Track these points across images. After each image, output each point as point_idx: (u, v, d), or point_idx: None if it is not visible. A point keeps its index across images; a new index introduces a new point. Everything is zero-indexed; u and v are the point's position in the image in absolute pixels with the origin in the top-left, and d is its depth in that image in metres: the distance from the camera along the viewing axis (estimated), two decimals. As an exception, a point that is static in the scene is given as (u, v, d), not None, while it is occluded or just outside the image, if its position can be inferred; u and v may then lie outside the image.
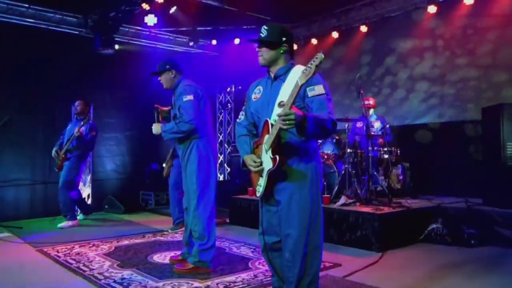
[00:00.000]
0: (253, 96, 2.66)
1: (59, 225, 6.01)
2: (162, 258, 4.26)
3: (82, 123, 6.03)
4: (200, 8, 7.17)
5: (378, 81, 7.49)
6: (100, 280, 3.54)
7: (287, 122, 2.17)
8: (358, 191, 5.38)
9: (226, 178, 9.49)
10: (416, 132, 6.91)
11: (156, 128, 3.81)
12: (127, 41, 8.14)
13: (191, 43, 8.66)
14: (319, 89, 2.41)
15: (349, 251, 4.58)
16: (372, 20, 7.44)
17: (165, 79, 3.88)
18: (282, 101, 2.33)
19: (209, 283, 3.45)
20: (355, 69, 7.65)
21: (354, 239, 4.75)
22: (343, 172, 5.56)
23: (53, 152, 6.15)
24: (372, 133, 5.65)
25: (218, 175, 9.15)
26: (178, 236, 5.25)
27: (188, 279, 3.54)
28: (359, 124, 6.43)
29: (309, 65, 2.19)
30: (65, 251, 4.59)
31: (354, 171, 5.55)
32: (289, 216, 2.44)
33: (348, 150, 5.68)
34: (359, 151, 5.73)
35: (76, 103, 6.33)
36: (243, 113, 2.74)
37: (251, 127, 2.70)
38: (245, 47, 8.13)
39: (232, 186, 7.68)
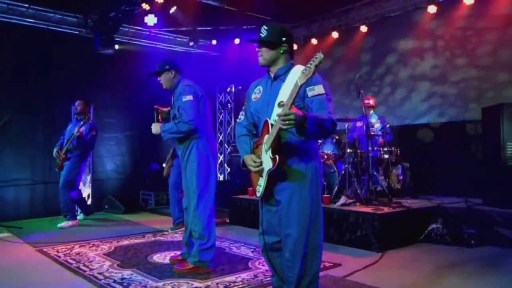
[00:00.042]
0: (253, 96, 2.66)
1: (59, 225, 6.02)
2: (162, 258, 4.26)
3: (82, 123, 6.04)
4: (200, 8, 7.16)
5: (378, 81, 7.48)
6: (100, 280, 3.55)
7: (287, 122, 2.17)
8: (358, 191, 5.38)
9: (226, 178, 9.49)
10: (416, 132, 6.90)
11: (155, 128, 3.81)
12: (127, 41, 8.13)
13: (191, 43, 8.66)
14: (319, 89, 2.41)
15: (349, 251, 4.58)
16: (372, 20, 7.43)
17: (164, 79, 3.88)
18: (282, 101, 2.33)
19: (209, 283, 3.45)
20: (355, 69, 7.65)
21: (354, 239, 4.75)
22: (343, 172, 5.56)
23: (54, 152, 6.18)
24: (372, 133, 5.65)
25: (218, 175, 9.15)
26: (178, 236, 5.25)
27: (188, 279, 3.54)
28: (359, 124, 6.43)
29: (308, 65, 2.18)
30: (65, 251, 4.59)
31: (354, 171, 5.55)
32: (289, 216, 2.44)
33: (348, 150, 5.68)
34: (359, 151, 5.73)
35: (76, 103, 6.34)
36: (243, 113, 2.74)
37: (251, 127, 2.70)
38: (245, 47, 8.13)
39: (232, 186, 7.68)
